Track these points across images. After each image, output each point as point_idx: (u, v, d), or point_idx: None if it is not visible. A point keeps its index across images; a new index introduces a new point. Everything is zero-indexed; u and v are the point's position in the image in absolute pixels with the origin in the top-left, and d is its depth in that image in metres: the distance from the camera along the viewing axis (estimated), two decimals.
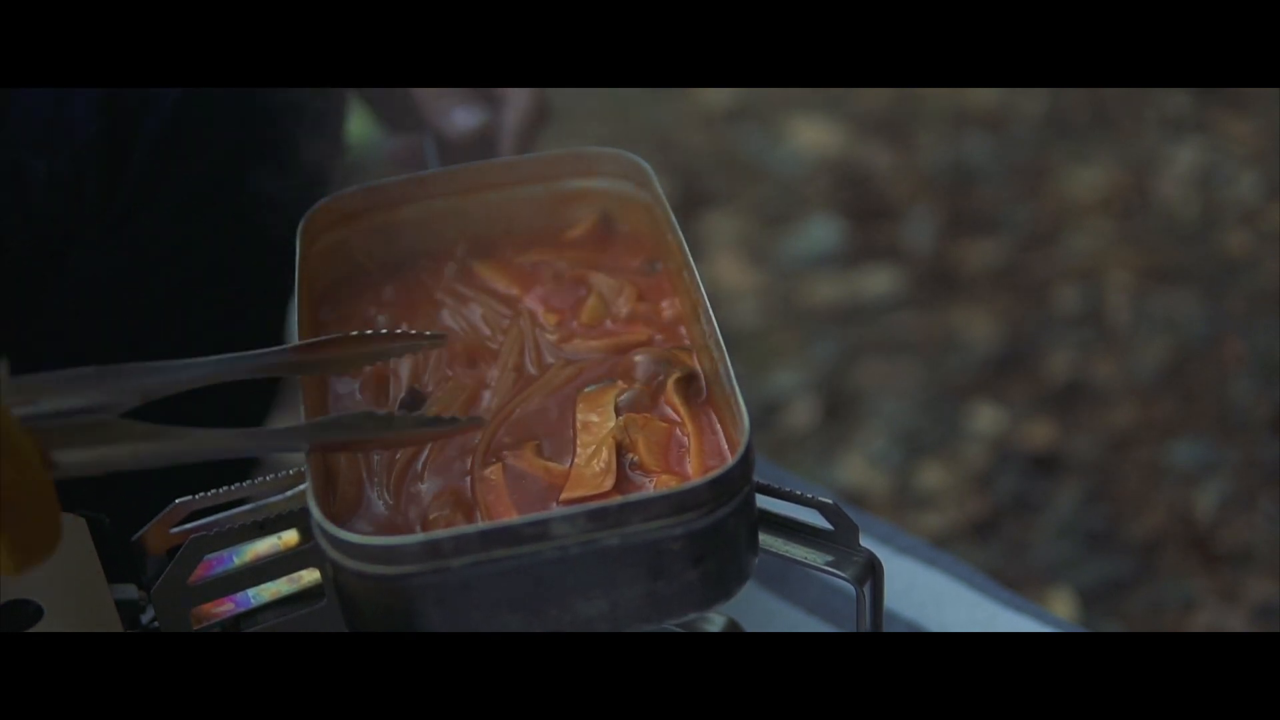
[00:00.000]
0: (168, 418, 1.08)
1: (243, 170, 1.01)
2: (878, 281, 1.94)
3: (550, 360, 0.84)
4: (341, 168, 1.11)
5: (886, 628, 0.93)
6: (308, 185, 1.06)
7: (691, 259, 0.82)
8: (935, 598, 0.97)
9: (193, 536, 0.74)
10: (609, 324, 0.86)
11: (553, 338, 0.85)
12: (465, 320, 0.88)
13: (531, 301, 0.88)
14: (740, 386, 0.73)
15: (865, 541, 0.75)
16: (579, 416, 0.79)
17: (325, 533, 0.70)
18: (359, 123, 2.24)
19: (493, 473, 0.77)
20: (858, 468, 1.72)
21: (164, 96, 0.94)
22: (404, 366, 0.85)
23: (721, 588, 0.72)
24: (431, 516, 0.75)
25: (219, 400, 1.10)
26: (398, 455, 0.79)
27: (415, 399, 0.83)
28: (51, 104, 0.92)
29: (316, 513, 0.71)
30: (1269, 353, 1.77)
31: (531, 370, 0.84)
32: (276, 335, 1.14)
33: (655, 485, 0.75)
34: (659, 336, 0.85)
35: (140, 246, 0.99)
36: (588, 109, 2.26)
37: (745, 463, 0.71)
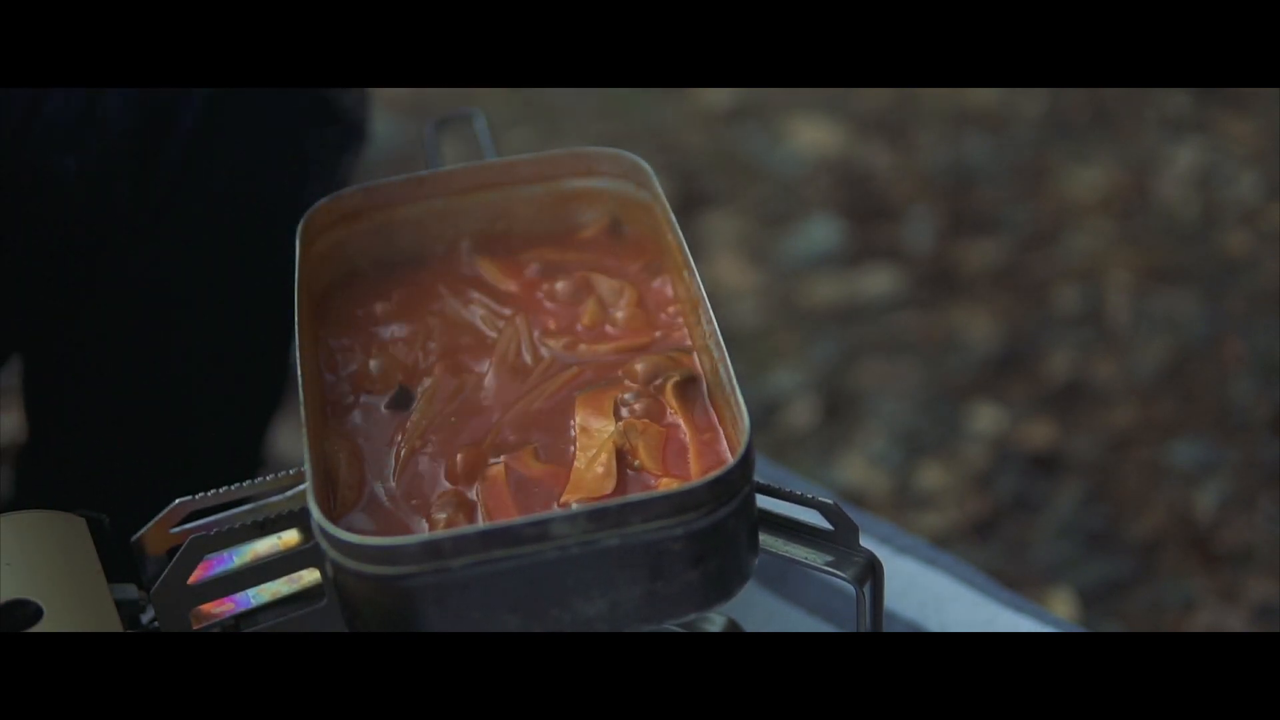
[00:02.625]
0: (173, 419, 1.09)
1: (273, 169, 1.01)
2: (878, 281, 1.94)
3: (547, 361, 0.84)
4: (361, 164, 1.11)
5: (886, 628, 0.93)
6: (334, 182, 1.06)
7: (691, 259, 0.82)
8: (935, 598, 0.97)
9: (193, 536, 0.74)
10: (609, 326, 0.86)
11: (553, 339, 0.85)
12: (464, 320, 0.88)
13: (532, 302, 0.88)
14: (740, 386, 0.73)
15: (865, 541, 0.75)
16: (578, 420, 0.79)
17: (325, 533, 0.70)
18: None
19: (494, 474, 0.77)
20: (858, 468, 1.72)
21: (195, 94, 0.94)
22: (395, 370, 0.84)
23: (722, 588, 0.72)
24: (434, 516, 0.75)
25: (223, 401, 1.10)
26: (399, 455, 0.79)
27: (404, 398, 0.83)
28: (83, 102, 0.91)
29: (316, 513, 0.71)
30: (1269, 353, 1.77)
31: (529, 369, 0.84)
32: (277, 346, 1.14)
33: (657, 488, 0.75)
34: (659, 338, 0.85)
35: (173, 245, 0.99)
36: (588, 109, 2.26)
37: (745, 463, 0.71)
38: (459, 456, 0.78)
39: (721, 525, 0.70)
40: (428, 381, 0.84)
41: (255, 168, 1.00)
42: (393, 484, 0.78)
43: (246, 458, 1.16)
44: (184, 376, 1.07)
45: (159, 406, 1.07)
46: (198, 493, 0.78)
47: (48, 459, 1.11)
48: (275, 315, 1.11)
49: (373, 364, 0.85)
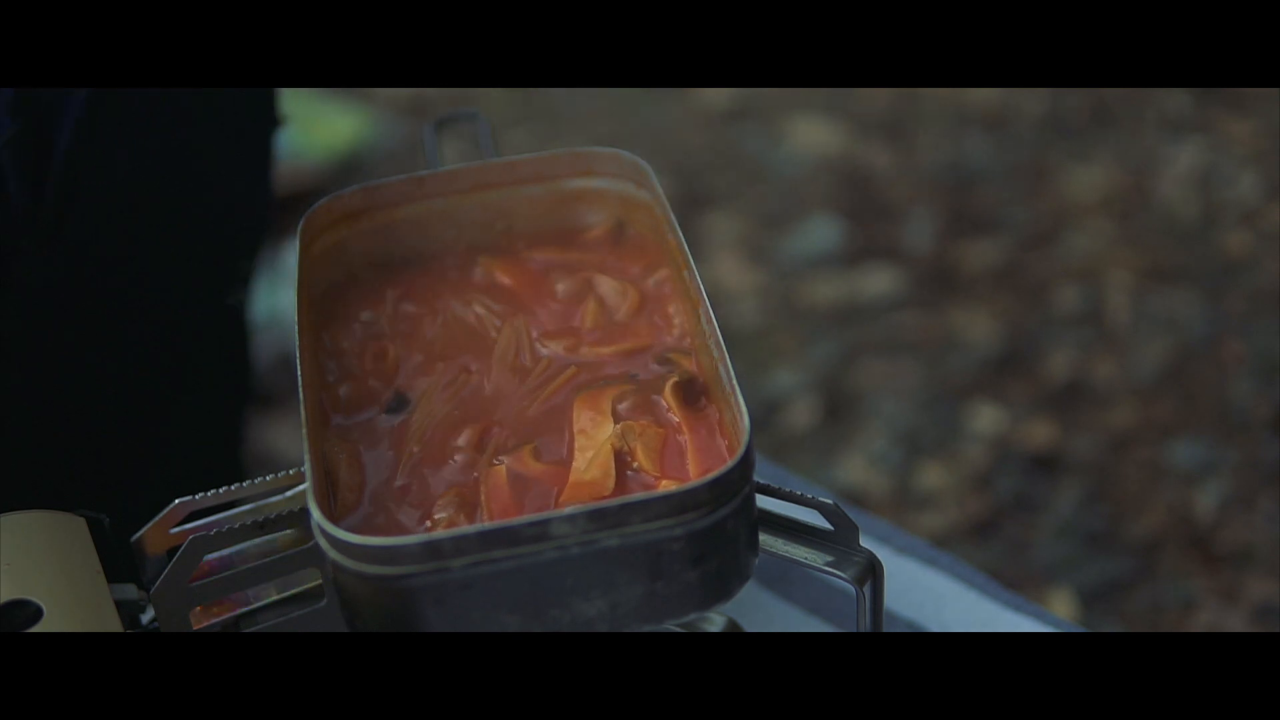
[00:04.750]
0: (148, 414, 1.08)
1: (163, 168, 1.00)
2: (878, 281, 1.94)
3: (546, 361, 0.84)
4: (275, 151, 1.10)
5: (886, 628, 0.93)
6: (238, 175, 1.05)
7: (692, 259, 0.82)
8: (935, 598, 0.97)
9: (192, 536, 0.74)
10: (610, 327, 0.86)
11: (553, 340, 0.85)
12: (464, 320, 0.88)
13: (532, 302, 0.88)
14: (740, 386, 0.73)
15: (865, 541, 0.75)
16: (577, 421, 0.79)
17: (325, 533, 0.70)
18: (354, 121, 2.24)
19: (495, 474, 0.77)
20: (858, 468, 1.72)
21: (79, 93, 0.93)
22: (395, 370, 0.84)
23: (721, 588, 0.72)
24: (435, 517, 0.75)
25: (183, 397, 1.10)
26: (399, 456, 0.79)
27: (399, 402, 0.82)
28: None
29: (316, 513, 0.71)
30: (1269, 353, 1.77)
31: (528, 370, 0.84)
32: (233, 334, 1.13)
33: (657, 489, 0.75)
34: (659, 339, 0.85)
35: (78, 252, 0.98)
36: (588, 109, 2.26)
37: (745, 463, 0.71)
38: (461, 463, 0.78)
39: (721, 525, 0.70)
40: (427, 382, 0.84)
41: (145, 166, 0.99)
42: (393, 484, 0.78)
43: (224, 452, 1.16)
44: (130, 376, 1.06)
45: (110, 408, 1.06)
46: (190, 492, 0.78)
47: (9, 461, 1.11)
48: (207, 312, 1.10)
49: (371, 364, 0.85)
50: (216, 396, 1.15)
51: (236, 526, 0.75)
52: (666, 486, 0.75)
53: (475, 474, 0.78)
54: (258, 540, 0.76)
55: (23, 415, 1.07)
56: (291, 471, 0.78)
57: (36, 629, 0.70)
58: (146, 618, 0.77)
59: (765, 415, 1.78)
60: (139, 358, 1.06)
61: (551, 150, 0.92)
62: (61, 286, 0.99)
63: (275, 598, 0.77)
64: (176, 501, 0.77)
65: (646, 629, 0.72)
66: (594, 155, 0.91)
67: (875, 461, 1.72)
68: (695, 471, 0.76)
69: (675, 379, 0.80)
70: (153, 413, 1.09)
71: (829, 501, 0.74)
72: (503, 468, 0.77)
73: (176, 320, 1.07)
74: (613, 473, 0.76)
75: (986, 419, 1.75)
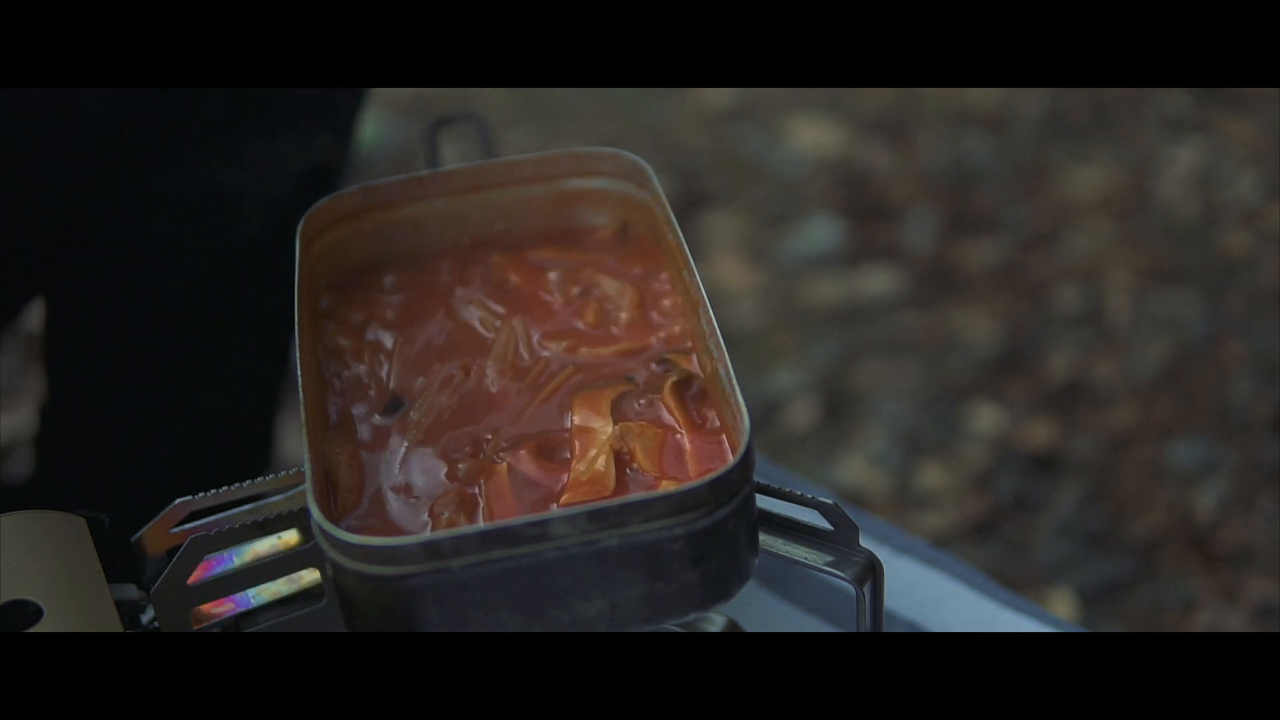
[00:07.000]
0: (173, 417, 1.08)
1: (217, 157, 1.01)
2: (878, 281, 1.94)
3: (545, 361, 0.84)
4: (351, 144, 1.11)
5: (886, 628, 0.93)
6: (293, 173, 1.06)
7: (691, 259, 0.82)
8: (935, 598, 0.97)
9: (193, 536, 0.74)
10: (610, 327, 0.86)
11: (553, 341, 0.85)
12: (463, 320, 0.88)
13: (532, 302, 0.88)
14: (740, 386, 0.73)
15: (865, 541, 0.75)
16: (576, 420, 0.79)
17: (325, 533, 0.70)
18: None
19: (495, 473, 0.77)
20: (858, 468, 1.72)
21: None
22: (394, 370, 0.84)
23: (721, 588, 0.72)
24: (434, 516, 0.75)
25: (230, 396, 1.10)
26: (399, 456, 0.79)
27: (396, 404, 0.82)
28: None
29: (316, 513, 0.71)
30: (1269, 353, 1.77)
31: (527, 369, 0.84)
32: (264, 332, 1.13)
33: (657, 488, 0.75)
34: (659, 338, 0.85)
35: (177, 176, 0.98)
36: (588, 109, 2.26)
37: (745, 463, 0.71)
38: (461, 463, 0.78)
39: (721, 525, 0.70)
40: (426, 381, 0.84)
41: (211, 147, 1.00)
42: (393, 484, 0.78)
43: (254, 445, 1.16)
44: (146, 374, 1.06)
45: (122, 406, 1.07)
46: (190, 492, 0.78)
47: (64, 432, 1.10)
48: (261, 297, 1.10)
49: (371, 364, 0.85)
50: (242, 396, 1.15)
51: (236, 526, 0.75)
52: (666, 486, 0.75)
53: (475, 474, 0.78)
54: (257, 540, 0.76)
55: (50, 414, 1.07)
56: (291, 471, 0.78)
57: (36, 629, 0.70)
58: (146, 618, 0.77)
59: (765, 415, 1.78)
60: (158, 356, 1.06)
61: (551, 150, 0.92)
62: (155, 210, 0.99)
63: (275, 597, 0.77)
64: (176, 501, 0.77)
65: (646, 629, 0.72)
66: (594, 155, 0.91)
67: (875, 461, 1.72)
68: (695, 471, 0.76)
69: (675, 379, 0.80)
70: (165, 411, 1.09)
71: (829, 501, 0.74)
72: (503, 467, 0.77)
73: (204, 317, 1.07)
74: (613, 473, 0.76)
75: (986, 419, 1.75)
